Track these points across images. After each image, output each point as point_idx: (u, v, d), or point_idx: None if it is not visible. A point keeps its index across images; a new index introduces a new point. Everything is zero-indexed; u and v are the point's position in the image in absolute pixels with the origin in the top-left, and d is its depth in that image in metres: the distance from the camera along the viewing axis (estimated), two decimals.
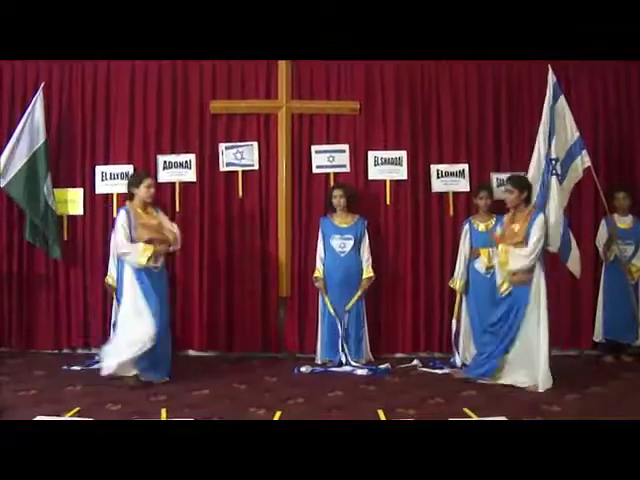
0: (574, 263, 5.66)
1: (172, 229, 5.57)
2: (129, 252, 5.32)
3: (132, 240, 5.34)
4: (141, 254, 5.26)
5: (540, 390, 5.09)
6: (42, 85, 6.26)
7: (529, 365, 5.22)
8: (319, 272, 6.12)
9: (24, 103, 6.38)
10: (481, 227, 6.05)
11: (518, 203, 5.43)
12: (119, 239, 5.36)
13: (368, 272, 6.09)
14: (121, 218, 5.39)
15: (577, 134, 5.81)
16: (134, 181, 5.54)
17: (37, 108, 6.19)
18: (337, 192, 6.12)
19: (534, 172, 5.61)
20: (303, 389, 5.18)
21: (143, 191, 5.43)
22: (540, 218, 5.30)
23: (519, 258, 5.27)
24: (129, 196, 5.55)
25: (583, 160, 5.79)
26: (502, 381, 5.30)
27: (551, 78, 5.76)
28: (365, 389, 5.25)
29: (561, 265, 5.78)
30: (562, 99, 5.78)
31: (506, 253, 5.34)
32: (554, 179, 5.57)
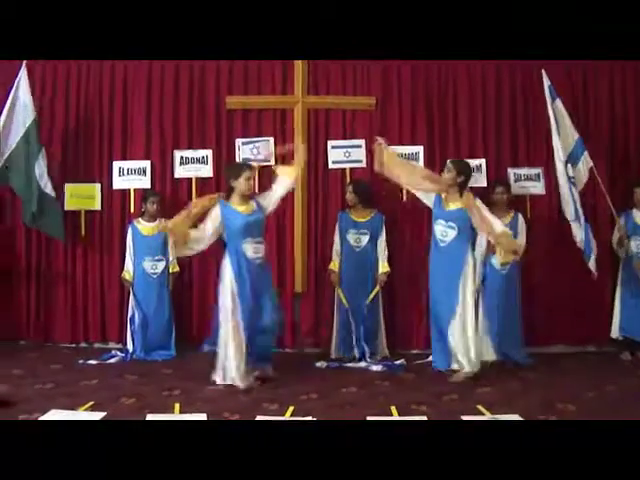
0: (592, 263, 5.77)
1: None
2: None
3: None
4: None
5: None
6: (24, 63, 6.10)
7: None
8: (334, 265, 6.11)
9: (42, 102, 6.50)
10: None
11: (452, 184, 5.46)
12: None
13: (384, 267, 6.06)
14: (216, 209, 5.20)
15: (577, 136, 5.92)
16: (233, 173, 5.32)
17: (22, 87, 6.07)
18: (348, 188, 6.13)
19: (562, 178, 5.84)
20: (317, 384, 5.17)
21: (242, 183, 5.22)
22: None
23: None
24: (228, 189, 5.34)
25: (586, 161, 5.93)
26: None
27: (546, 81, 5.87)
28: (380, 385, 5.23)
29: (579, 261, 5.79)
30: (558, 101, 5.85)
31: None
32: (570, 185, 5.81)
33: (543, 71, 5.99)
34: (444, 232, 5.48)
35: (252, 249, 5.16)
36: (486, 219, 5.31)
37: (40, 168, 6.09)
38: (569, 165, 5.87)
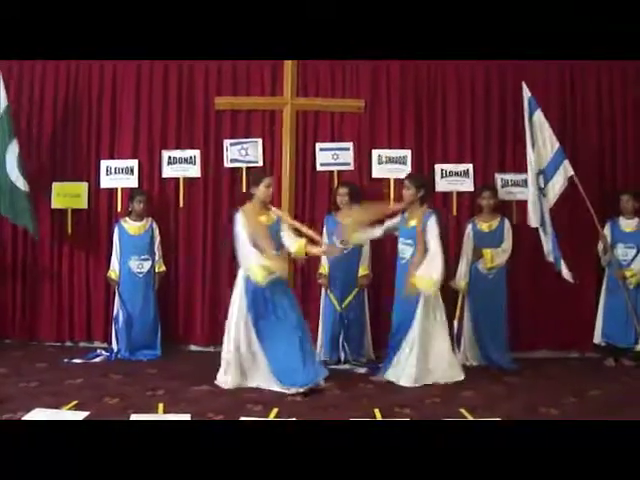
0: (566, 272, 5.81)
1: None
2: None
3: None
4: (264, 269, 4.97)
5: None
6: None
7: None
8: (324, 268, 6.09)
9: (31, 100, 6.51)
10: (484, 227, 6.05)
11: (413, 200, 5.50)
12: (243, 245, 5.09)
13: (364, 269, 6.04)
14: (240, 221, 5.15)
15: (557, 145, 6.01)
16: (253, 180, 5.34)
17: None
18: (342, 190, 6.08)
19: (532, 188, 5.95)
20: None
21: (262, 191, 5.21)
22: (432, 219, 5.39)
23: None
24: (248, 196, 5.38)
25: (566, 169, 6.00)
26: None
27: (525, 93, 5.97)
28: (363, 387, 5.24)
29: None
30: (538, 113, 5.98)
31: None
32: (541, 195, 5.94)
33: (523, 83, 6.03)
34: (402, 250, 5.55)
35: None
36: (428, 242, 5.34)
37: (11, 161, 5.95)
38: (540, 176, 5.98)
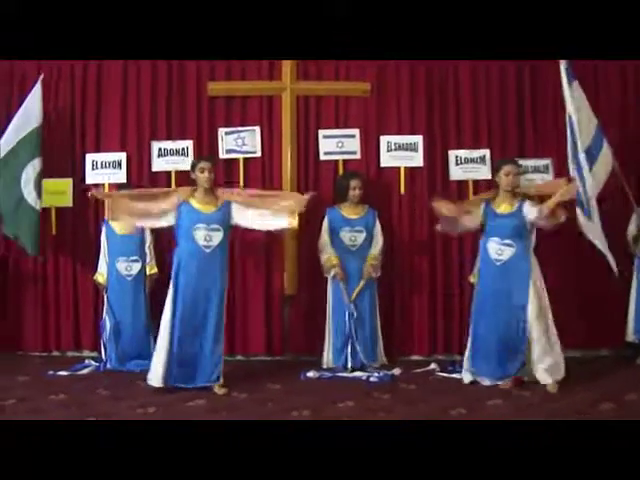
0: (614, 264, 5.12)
1: None
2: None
3: None
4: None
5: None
6: (41, 77, 5.85)
7: None
8: (335, 258, 5.58)
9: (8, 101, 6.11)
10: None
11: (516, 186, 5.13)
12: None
13: (372, 258, 5.60)
14: None
15: (595, 121, 5.41)
16: (191, 166, 5.19)
17: (35, 96, 5.81)
18: (355, 182, 5.61)
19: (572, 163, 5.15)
20: (309, 398, 4.69)
21: (198, 177, 5.05)
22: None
23: None
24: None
25: (607, 150, 5.45)
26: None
27: (562, 62, 5.36)
28: (379, 398, 4.74)
29: (591, 261, 5.38)
30: (576, 84, 5.35)
31: None
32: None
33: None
34: (499, 250, 5.06)
35: None
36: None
37: (28, 177, 5.77)
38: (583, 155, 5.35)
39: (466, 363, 5.12)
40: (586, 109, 5.37)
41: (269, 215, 5.02)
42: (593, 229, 5.01)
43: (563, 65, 5.27)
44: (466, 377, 5.08)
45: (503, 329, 4.95)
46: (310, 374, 5.36)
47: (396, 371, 5.45)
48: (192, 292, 4.87)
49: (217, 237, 4.95)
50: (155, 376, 4.82)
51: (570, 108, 5.11)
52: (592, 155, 5.25)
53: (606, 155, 5.42)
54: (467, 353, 5.14)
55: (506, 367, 4.96)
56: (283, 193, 5.44)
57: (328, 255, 5.60)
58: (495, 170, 5.28)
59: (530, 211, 4.96)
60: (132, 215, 5.02)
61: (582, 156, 5.03)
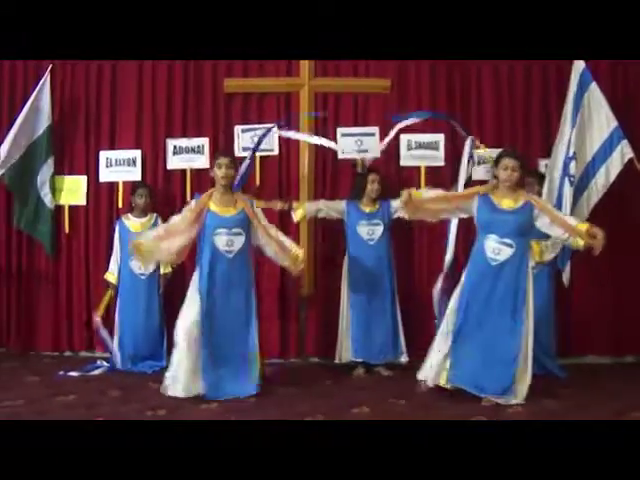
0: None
1: None
2: None
3: None
4: None
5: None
6: (49, 67, 5.83)
7: None
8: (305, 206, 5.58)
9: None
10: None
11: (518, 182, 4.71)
12: None
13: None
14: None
15: (614, 124, 5.29)
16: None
17: (44, 91, 5.80)
18: (374, 176, 5.51)
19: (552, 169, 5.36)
20: (323, 402, 4.56)
21: (216, 173, 4.80)
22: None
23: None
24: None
25: (624, 151, 5.27)
26: None
27: (576, 67, 5.32)
28: (395, 404, 4.58)
29: (616, 263, 5.45)
30: (594, 86, 5.30)
31: None
32: (566, 181, 5.26)
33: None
34: (497, 249, 4.61)
35: None
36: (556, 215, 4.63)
37: (43, 178, 5.86)
38: (572, 162, 5.29)
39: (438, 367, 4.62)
40: (605, 111, 5.32)
41: (275, 250, 4.83)
42: None
43: (576, 70, 5.22)
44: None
45: (490, 339, 4.53)
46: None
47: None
48: (220, 303, 4.71)
49: (239, 241, 4.74)
50: (176, 386, 4.57)
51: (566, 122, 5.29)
52: (594, 163, 5.36)
53: (616, 159, 5.31)
54: (439, 356, 4.63)
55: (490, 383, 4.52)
56: (288, 247, 4.87)
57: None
58: (495, 162, 4.85)
59: (551, 229, 4.62)
60: (160, 258, 4.92)
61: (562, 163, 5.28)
